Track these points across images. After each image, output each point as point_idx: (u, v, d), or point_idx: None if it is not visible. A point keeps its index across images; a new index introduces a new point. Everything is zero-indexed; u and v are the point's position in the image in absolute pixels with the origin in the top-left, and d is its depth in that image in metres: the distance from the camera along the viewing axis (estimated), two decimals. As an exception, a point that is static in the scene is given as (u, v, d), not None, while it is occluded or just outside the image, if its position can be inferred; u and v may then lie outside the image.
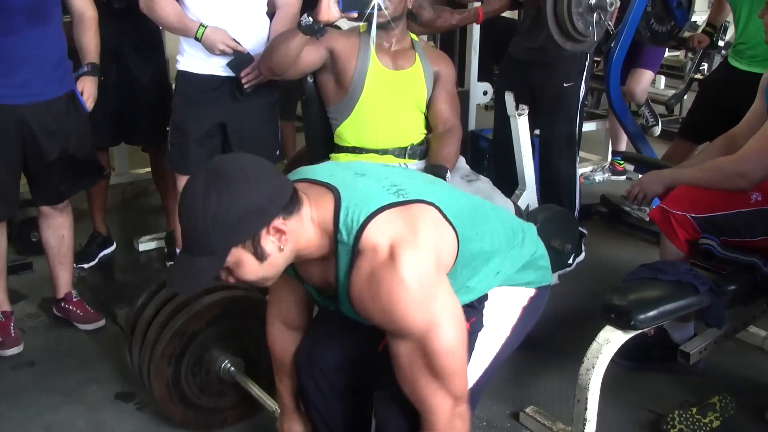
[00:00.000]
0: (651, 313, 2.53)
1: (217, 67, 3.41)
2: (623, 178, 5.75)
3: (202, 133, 3.46)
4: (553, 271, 3.76)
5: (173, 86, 3.64)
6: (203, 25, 3.30)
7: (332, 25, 3.19)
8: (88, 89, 3.29)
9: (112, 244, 4.42)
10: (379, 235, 1.70)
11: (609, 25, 3.61)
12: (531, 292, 2.11)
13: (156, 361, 2.58)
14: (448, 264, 1.81)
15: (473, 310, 1.96)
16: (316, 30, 2.96)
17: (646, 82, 5.44)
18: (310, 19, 2.93)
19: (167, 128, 3.61)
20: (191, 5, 3.35)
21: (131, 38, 3.88)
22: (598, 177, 5.74)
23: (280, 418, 2.40)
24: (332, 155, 3.37)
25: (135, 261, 4.42)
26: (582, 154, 5.92)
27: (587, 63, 3.88)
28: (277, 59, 3.08)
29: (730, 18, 4.95)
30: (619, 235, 4.69)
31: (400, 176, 1.92)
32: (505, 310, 2.07)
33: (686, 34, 5.20)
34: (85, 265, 4.23)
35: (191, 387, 2.68)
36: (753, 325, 3.27)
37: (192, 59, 3.45)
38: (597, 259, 4.25)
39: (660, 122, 5.75)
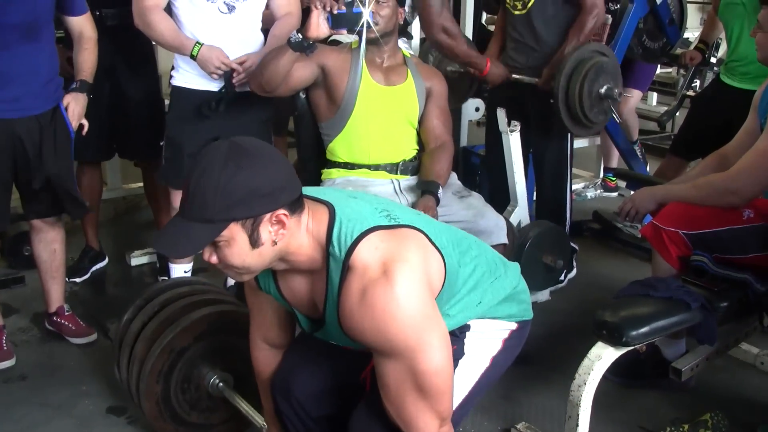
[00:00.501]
0: (643, 330, 2.52)
1: (211, 83, 3.41)
2: (615, 194, 5.76)
3: (195, 149, 3.44)
4: (545, 287, 3.81)
5: (166, 102, 3.63)
6: (199, 43, 3.29)
7: (327, 41, 3.19)
8: (72, 105, 3.24)
9: (104, 258, 4.41)
10: (370, 254, 1.70)
11: (615, 115, 3.75)
12: (512, 325, 2.11)
13: (145, 378, 2.57)
14: (436, 288, 1.81)
15: (455, 338, 1.94)
16: (306, 47, 2.96)
17: (634, 101, 5.46)
18: (300, 35, 2.93)
19: (160, 143, 3.60)
20: (186, 22, 3.34)
21: (124, 54, 3.88)
22: (590, 193, 5.75)
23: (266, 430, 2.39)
24: (324, 171, 3.37)
25: (127, 275, 4.41)
26: (574, 170, 5.91)
27: None
28: (267, 76, 3.08)
29: (722, 35, 4.97)
30: (611, 251, 4.70)
31: (390, 204, 1.95)
32: (487, 341, 2.07)
33: (678, 50, 5.22)
34: (77, 280, 4.22)
35: (181, 404, 2.66)
36: (745, 342, 3.27)
37: (186, 75, 3.44)
38: (589, 275, 4.25)
39: (647, 162, 5.74)
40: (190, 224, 1.66)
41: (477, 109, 4.36)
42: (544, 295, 3.92)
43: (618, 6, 5.03)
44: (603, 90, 3.62)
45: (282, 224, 1.70)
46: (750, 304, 2.86)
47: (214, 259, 1.73)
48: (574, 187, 5.68)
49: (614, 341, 2.51)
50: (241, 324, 2.56)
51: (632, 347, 2.55)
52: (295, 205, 1.73)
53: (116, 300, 4.09)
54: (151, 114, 3.99)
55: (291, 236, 1.73)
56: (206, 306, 2.66)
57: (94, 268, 4.34)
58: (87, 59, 3.31)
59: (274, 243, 1.71)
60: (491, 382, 2.12)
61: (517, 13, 3.81)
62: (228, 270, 1.78)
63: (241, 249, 1.69)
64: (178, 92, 3.49)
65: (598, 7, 3.69)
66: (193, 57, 3.31)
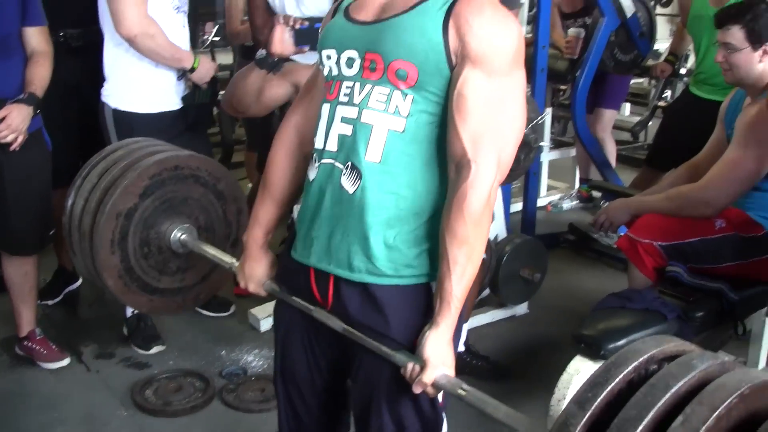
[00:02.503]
0: (620, 342, 2.54)
1: (173, 102, 3.42)
2: (590, 205, 5.78)
3: None
4: (524, 300, 3.82)
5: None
6: (196, 56, 3.29)
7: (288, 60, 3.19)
8: (13, 115, 3.10)
9: (78, 279, 4.34)
10: None
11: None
12: None
13: (98, 253, 2.33)
14: None
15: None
16: (271, 64, 2.94)
17: (609, 121, 5.48)
18: (264, 52, 2.92)
19: None
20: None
21: (91, 74, 3.84)
22: (566, 205, 5.77)
23: (241, 259, 2.10)
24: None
25: (100, 297, 4.34)
26: (549, 181, 5.98)
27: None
28: (238, 96, 3.08)
29: (691, 47, 5.03)
30: (588, 262, 4.72)
31: None
32: None
33: (649, 62, 5.27)
34: (50, 302, 4.15)
35: (147, 271, 2.42)
36: (721, 351, 3.28)
37: (151, 100, 3.38)
38: (566, 286, 4.27)
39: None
40: None
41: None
42: (522, 308, 3.93)
43: (590, 20, 5.09)
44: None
45: None
46: (725, 313, 2.90)
47: None
48: (549, 198, 5.74)
49: (593, 354, 2.52)
50: (184, 169, 2.39)
51: (610, 359, 2.55)
52: None
53: (90, 322, 4.04)
54: None
55: None
56: (143, 159, 2.40)
57: (67, 290, 4.26)
58: (38, 73, 3.22)
59: None
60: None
61: None
62: None
63: None
64: (144, 119, 3.37)
65: None
66: (192, 70, 3.30)
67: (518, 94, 1.68)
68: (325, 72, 1.81)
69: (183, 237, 2.37)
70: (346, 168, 1.72)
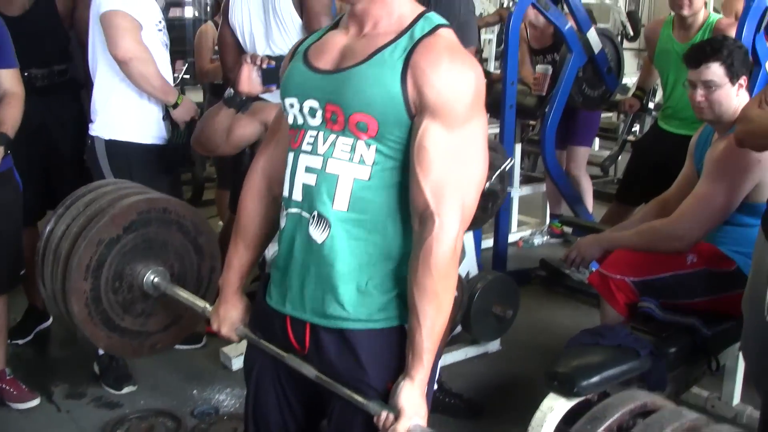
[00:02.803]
0: (594, 380, 2.53)
1: (161, 137, 3.48)
2: (561, 240, 5.80)
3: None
4: (496, 337, 3.81)
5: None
6: (182, 94, 3.31)
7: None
8: None
9: (49, 318, 4.29)
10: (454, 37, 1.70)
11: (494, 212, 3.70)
12: None
13: (71, 274, 2.31)
14: None
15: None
16: (239, 103, 2.94)
17: (582, 158, 5.52)
18: (232, 91, 2.92)
19: None
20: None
21: (55, 114, 3.83)
22: (537, 240, 5.78)
23: (216, 303, 2.10)
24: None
25: (72, 336, 4.28)
26: (520, 217, 5.99)
27: None
28: (206, 135, 3.07)
29: (658, 81, 5.08)
30: (560, 298, 4.72)
31: None
32: None
33: (618, 97, 5.32)
34: (20, 341, 4.09)
35: (113, 305, 2.40)
36: (696, 386, 3.28)
37: (144, 132, 3.44)
38: (539, 323, 4.25)
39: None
40: None
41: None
42: (494, 345, 3.92)
43: (557, 56, 5.14)
44: (485, 186, 3.47)
45: None
46: (698, 348, 2.90)
47: None
48: (520, 234, 5.75)
49: (566, 392, 2.51)
50: (171, 213, 2.41)
51: (584, 397, 2.55)
52: None
53: (61, 362, 3.99)
54: (86, 172, 3.95)
55: None
56: (133, 195, 2.43)
57: (37, 329, 4.21)
58: (10, 114, 3.21)
59: None
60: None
61: None
62: None
63: None
64: (142, 150, 3.44)
65: None
66: (175, 106, 3.35)
67: (479, 141, 1.68)
68: (290, 120, 1.81)
69: (156, 280, 2.37)
70: (313, 218, 1.73)
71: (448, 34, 1.68)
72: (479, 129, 1.67)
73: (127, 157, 3.43)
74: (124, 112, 3.42)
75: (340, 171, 1.69)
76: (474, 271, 3.76)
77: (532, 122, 5.76)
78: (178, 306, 2.39)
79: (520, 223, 6.00)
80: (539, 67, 5.19)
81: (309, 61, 1.78)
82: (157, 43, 3.39)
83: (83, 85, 3.88)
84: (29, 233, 4.02)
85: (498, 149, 3.60)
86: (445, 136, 1.62)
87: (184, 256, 2.37)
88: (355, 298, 1.71)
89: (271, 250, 3.32)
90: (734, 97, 3.01)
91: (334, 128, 1.70)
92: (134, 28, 3.27)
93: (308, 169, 1.74)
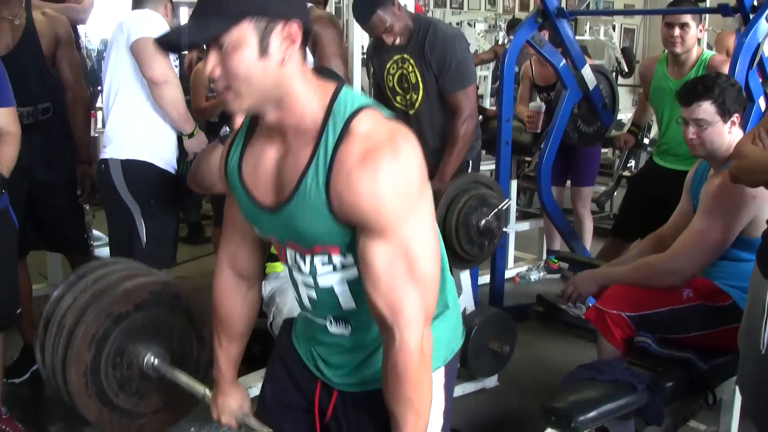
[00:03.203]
0: (591, 414, 2.53)
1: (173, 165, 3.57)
2: (558, 276, 5.81)
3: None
4: (493, 373, 3.81)
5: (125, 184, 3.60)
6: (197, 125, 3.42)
7: None
8: None
9: (44, 358, 4.30)
10: (374, 123, 1.60)
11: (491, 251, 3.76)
12: (441, 372, 1.94)
13: (75, 343, 2.33)
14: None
15: None
16: None
17: (587, 197, 5.58)
18: (227, 129, 2.95)
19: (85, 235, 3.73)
20: None
21: (41, 151, 3.84)
22: (534, 276, 5.78)
23: (214, 393, 2.15)
24: (268, 264, 3.35)
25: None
26: (516, 253, 6.00)
27: (469, 169, 4.04)
28: (201, 173, 3.09)
29: (653, 117, 5.12)
30: (557, 333, 4.71)
31: None
32: (434, 409, 1.88)
33: (613, 133, 5.35)
34: (16, 380, 4.08)
35: (110, 380, 2.42)
36: (693, 420, 3.28)
37: (161, 156, 3.51)
38: (536, 358, 4.26)
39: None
40: (202, 18, 1.59)
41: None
42: (492, 381, 3.91)
43: (552, 94, 5.18)
44: (482, 224, 3.51)
45: (292, 41, 1.59)
46: (694, 382, 2.90)
47: (217, 71, 1.59)
48: (517, 270, 5.75)
49: (563, 427, 2.51)
50: (182, 300, 2.44)
51: (582, 432, 2.54)
52: (305, 41, 1.63)
53: (58, 401, 3.96)
54: (73, 209, 4.03)
55: (295, 71, 1.62)
56: (145, 276, 2.48)
57: (34, 368, 4.19)
58: (5, 153, 3.20)
59: (282, 63, 1.59)
60: (448, 424, 2.01)
61: (410, 113, 3.97)
62: (228, 88, 1.62)
63: (249, 55, 1.57)
64: (161, 174, 3.52)
65: (465, 113, 3.82)
66: (191, 136, 3.45)
67: (423, 230, 1.62)
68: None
69: (157, 362, 2.40)
70: (329, 321, 1.81)
71: (358, 126, 1.59)
72: (420, 218, 1.61)
73: (145, 176, 3.49)
74: (142, 134, 3.50)
75: (332, 281, 1.74)
76: (471, 307, 3.76)
77: (527, 158, 5.79)
78: (172, 392, 2.42)
79: (517, 259, 6.01)
80: (532, 105, 5.25)
81: (248, 189, 1.76)
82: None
83: (67, 123, 3.94)
84: (19, 269, 4.03)
85: (494, 188, 3.63)
86: (383, 247, 1.58)
87: (185, 345, 2.38)
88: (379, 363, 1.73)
89: (267, 288, 3.36)
90: (726, 135, 3.03)
91: (306, 253, 1.73)
92: (165, 55, 3.36)
93: (306, 285, 1.80)
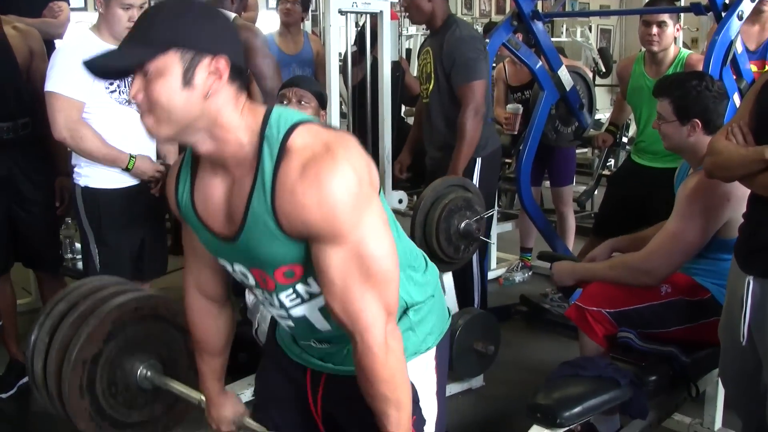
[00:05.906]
0: (576, 410, 2.56)
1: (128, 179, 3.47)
2: (543, 277, 5.80)
3: (135, 249, 3.55)
4: (479, 373, 3.84)
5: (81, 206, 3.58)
6: (132, 156, 3.32)
7: None
8: None
9: (31, 372, 4.28)
10: (311, 136, 1.61)
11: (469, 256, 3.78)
12: (432, 352, 1.97)
13: (69, 399, 2.33)
14: (376, 187, 1.70)
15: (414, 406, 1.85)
16: None
17: (568, 196, 5.61)
18: None
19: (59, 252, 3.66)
20: (96, 123, 3.36)
21: (21, 166, 3.84)
22: (518, 277, 5.79)
23: (206, 407, 2.19)
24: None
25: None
26: (499, 254, 6.02)
27: (476, 167, 4.06)
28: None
29: (631, 116, 5.16)
30: (541, 332, 4.75)
31: None
32: (427, 389, 1.97)
33: (591, 132, 5.39)
34: (3, 395, 4.05)
35: (117, 409, 2.43)
36: (677, 413, 3.31)
37: (113, 177, 3.44)
38: (521, 358, 4.29)
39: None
40: (132, 45, 1.60)
41: (400, 201, 4.42)
42: (478, 381, 3.94)
43: (527, 93, 5.22)
44: (462, 226, 3.54)
45: (219, 76, 1.60)
46: (677, 376, 2.94)
47: (140, 96, 1.60)
48: (499, 272, 5.77)
49: (549, 423, 2.54)
50: (144, 309, 2.42)
51: (567, 428, 2.57)
52: (235, 76, 1.63)
53: (45, 416, 3.94)
54: (51, 224, 4.02)
55: (224, 103, 1.62)
56: (105, 303, 2.42)
57: (20, 383, 4.18)
58: None
59: (205, 96, 1.60)
60: (444, 411, 2.04)
61: (425, 101, 4.21)
62: (150, 113, 1.62)
63: (172, 84, 1.57)
64: (104, 195, 3.46)
65: (469, 106, 3.90)
66: (128, 170, 3.35)
67: (374, 231, 1.63)
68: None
69: (149, 374, 2.40)
70: (312, 342, 1.89)
71: (295, 143, 1.60)
72: (369, 219, 1.61)
73: (98, 203, 3.45)
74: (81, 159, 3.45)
75: (304, 311, 1.79)
76: (454, 308, 3.78)
77: (507, 160, 5.83)
78: (169, 401, 2.47)
79: (499, 260, 6.03)
80: (509, 107, 5.29)
81: (205, 223, 1.78)
82: (111, 105, 3.35)
83: (45, 136, 3.92)
84: (2, 285, 4.03)
85: (474, 192, 3.66)
86: (336, 253, 1.60)
87: (169, 341, 2.38)
88: None
89: (251, 296, 3.37)
90: (685, 136, 3.02)
91: (269, 288, 1.76)
92: (70, 108, 3.26)
93: (281, 317, 1.86)
